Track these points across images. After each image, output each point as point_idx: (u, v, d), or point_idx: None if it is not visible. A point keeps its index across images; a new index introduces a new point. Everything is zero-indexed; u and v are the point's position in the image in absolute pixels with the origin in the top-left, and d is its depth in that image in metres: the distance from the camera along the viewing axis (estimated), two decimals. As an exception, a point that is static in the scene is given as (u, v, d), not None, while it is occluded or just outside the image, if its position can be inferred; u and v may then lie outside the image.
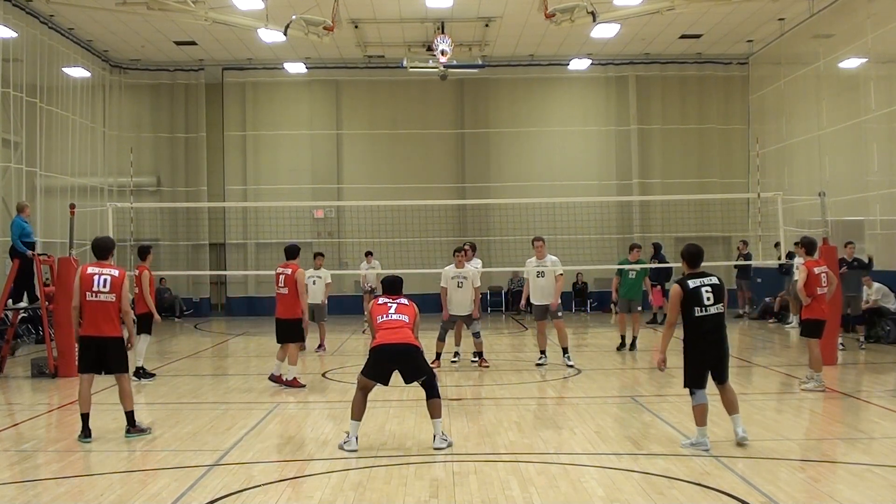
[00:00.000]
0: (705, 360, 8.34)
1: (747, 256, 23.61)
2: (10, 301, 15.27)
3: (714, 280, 8.38)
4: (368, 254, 20.83)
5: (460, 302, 14.18)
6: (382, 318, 8.79)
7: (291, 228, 24.66)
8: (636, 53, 27.14)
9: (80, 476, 7.95)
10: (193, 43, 25.17)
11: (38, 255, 15.64)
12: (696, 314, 8.22)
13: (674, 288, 8.36)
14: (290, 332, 12.61)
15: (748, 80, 27.75)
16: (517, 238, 22.80)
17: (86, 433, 9.25)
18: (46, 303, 14.90)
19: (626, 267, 16.53)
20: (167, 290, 27.20)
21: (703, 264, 8.56)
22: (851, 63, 21.26)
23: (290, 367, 12.64)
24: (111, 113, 27.00)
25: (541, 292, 14.43)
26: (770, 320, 22.35)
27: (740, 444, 8.45)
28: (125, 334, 9.55)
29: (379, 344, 8.65)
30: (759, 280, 24.68)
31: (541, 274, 14.42)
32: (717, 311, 8.28)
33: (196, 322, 25.89)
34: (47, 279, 16.02)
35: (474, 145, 28.15)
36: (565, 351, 14.48)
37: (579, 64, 26.97)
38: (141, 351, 13.61)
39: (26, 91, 21.01)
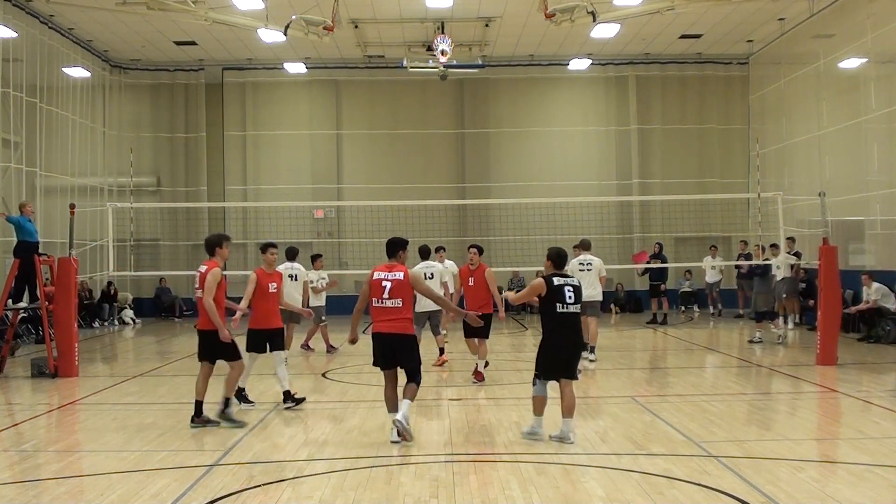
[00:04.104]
0: (561, 355, 8.82)
1: (747, 256, 23.60)
2: (10, 301, 15.25)
3: (575, 282, 8.97)
4: (440, 249, 15.94)
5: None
6: (377, 301, 8.82)
7: (291, 228, 24.68)
8: (636, 53, 27.13)
9: (80, 476, 7.95)
10: (193, 43, 25.17)
11: (38, 255, 15.60)
12: (559, 310, 8.75)
13: (537, 281, 8.89)
14: None
15: (748, 80, 27.74)
16: (517, 238, 22.82)
17: (197, 417, 9.77)
18: (46, 303, 14.88)
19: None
20: (167, 289, 27.24)
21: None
22: (851, 63, 21.25)
23: None
24: (111, 113, 27.00)
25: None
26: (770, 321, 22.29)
27: (561, 439, 8.67)
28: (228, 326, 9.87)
29: (377, 332, 8.87)
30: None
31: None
32: (575, 311, 8.85)
33: (196, 322, 25.83)
34: (47, 279, 16.02)
35: (474, 145, 28.15)
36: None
37: (579, 64, 26.97)
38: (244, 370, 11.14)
39: (26, 91, 21.02)
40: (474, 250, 13.49)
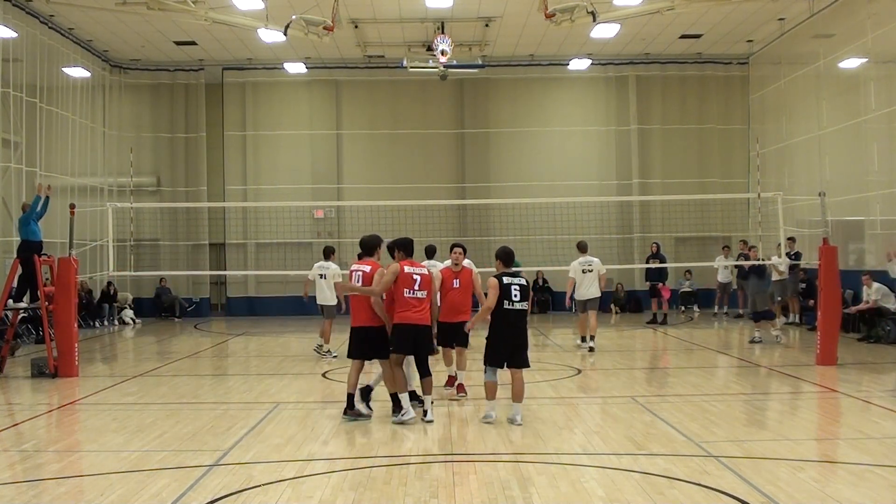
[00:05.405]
0: (506, 345, 9.58)
1: (747, 257, 23.58)
2: (11, 301, 15.25)
3: (523, 281, 9.72)
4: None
5: None
6: (409, 293, 9.73)
7: (291, 228, 24.68)
8: (636, 53, 27.13)
9: (80, 476, 7.95)
10: (193, 43, 25.16)
11: (40, 255, 15.58)
12: (504, 306, 9.51)
13: (491, 280, 9.63)
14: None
15: (748, 80, 27.73)
16: (517, 238, 22.80)
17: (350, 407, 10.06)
18: (46, 303, 14.87)
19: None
20: (167, 289, 27.23)
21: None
22: (851, 63, 21.23)
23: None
24: (111, 113, 26.99)
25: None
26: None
27: (511, 421, 9.60)
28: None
29: (406, 323, 9.70)
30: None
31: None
32: (521, 308, 9.60)
33: (196, 322, 25.89)
34: (47, 279, 16.01)
35: (474, 145, 28.13)
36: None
37: (579, 64, 26.96)
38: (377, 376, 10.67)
39: (26, 91, 21.00)
40: (459, 250, 12.04)
